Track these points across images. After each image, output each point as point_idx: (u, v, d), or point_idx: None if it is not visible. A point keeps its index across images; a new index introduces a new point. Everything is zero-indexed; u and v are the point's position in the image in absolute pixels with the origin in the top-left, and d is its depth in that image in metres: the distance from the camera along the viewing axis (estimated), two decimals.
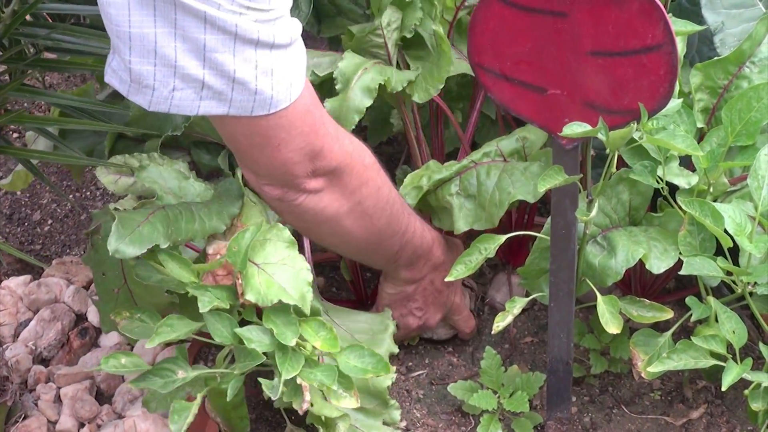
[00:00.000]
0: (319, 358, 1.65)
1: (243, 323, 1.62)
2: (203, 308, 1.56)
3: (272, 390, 1.57)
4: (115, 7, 1.32)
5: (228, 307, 1.60)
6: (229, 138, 1.54)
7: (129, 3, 1.31)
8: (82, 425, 2.12)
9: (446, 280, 1.81)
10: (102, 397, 2.18)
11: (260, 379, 1.59)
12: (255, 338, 1.59)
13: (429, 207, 1.96)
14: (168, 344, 1.70)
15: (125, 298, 1.86)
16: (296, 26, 1.45)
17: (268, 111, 1.42)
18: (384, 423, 1.83)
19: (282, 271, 1.61)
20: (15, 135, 2.93)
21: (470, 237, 1.88)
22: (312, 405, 1.62)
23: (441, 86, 1.95)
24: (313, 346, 1.62)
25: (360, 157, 1.69)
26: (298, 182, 1.59)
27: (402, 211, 1.82)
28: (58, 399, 2.17)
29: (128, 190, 1.82)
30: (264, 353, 1.59)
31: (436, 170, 1.94)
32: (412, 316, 2.01)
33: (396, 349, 1.88)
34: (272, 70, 1.39)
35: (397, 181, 2.17)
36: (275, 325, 1.59)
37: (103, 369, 1.60)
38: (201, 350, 2.10)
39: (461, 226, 1.91)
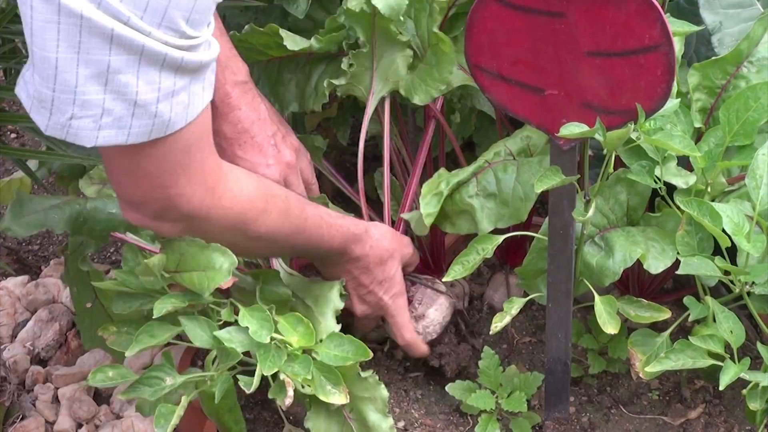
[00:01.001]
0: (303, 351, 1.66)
1: (225, 325, 1.64)
2: (157, 313, 1.56)
3: (247, 385, 1.57)
4: (24, 21, 1.26)
5: (185, 305, 1.60)
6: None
7: (32, 23, 1.24)
8: (79, 425, 2.12)
9: (443, 280, 1.81)
10: (100, 397, 2.18)
11: (238, 376, 1.60)
12: (235, 338, 1.60)
13: (443, 214, 1.95)
14: (168, 344, 1.70)
15: (99, 312, 1.86)
16: (210, 53, 1.38)
17: (165, 133, 1.35)
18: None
19: None
20: (13, 135, 2.94)
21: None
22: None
23: (443, 87, 1.95)
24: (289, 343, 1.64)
25: (258, 202, 1.61)
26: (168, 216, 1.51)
27: (311, 225, 1.73)
28: (56, 399, 2.17)
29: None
30: (247, 352, 1.60)
31: (450, 175, 1.94)
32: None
33: (341, 305, 1.83)
34: (173, 92, 1.33)
35: (377, 184, 2.18)
36: (251, 323, 1.61)
37: (91, 384, 1.61)
38: (199, 351, 2.10)
39: (486, 226, 1.90)
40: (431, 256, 2.22)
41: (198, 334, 1.60)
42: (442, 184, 1.92)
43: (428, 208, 1.91)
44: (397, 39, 1.94)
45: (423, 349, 1.98)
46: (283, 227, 1.65)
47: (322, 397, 1.65)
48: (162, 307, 1.56)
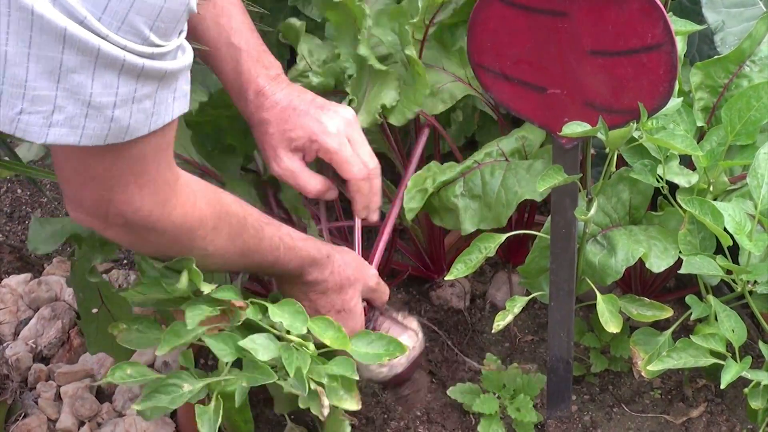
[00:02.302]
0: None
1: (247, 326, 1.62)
2: (192, 324, 1.55)
3: (296, 387, 1.57)
4: None
5: (217, 313, 1.60)
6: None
7: None
8: (82, 423, 2.12)
9: (446, 278, 1.81)
10: (102, 395, 2.18)
11: (281, 382, 1.59)
12: (260, 347, 1.59)
13: (431, 207, 1.95)
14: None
15: (105, 317, 1.85)
16: (179, 62, 1.31)
17: (123, 139, 1.29)
18: None
19: None
20: None
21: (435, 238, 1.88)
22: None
23: (418, 109, 1.92)
24: (319, 344, 1.63)
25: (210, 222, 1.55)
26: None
27: (267, 246, 1.66)
28: (58, 397, 2.17)
29: None
30: (274, 366, 1.59)
31: (439, 172, 1.93)
32: None
33: None
34: (134, 98, 1.26)
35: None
36: (283, 317, 1.59)
37: (111, 381, 1.60)
38: (201, 348, 2.10)
39: (468, 227, 1.90)
40: (431, 256, 2.22)
41: (221, 349, 1.59)
42: (428, 181, 1.92)
43: (411, 203, 1.91)
44: (382, 71, 1.93)
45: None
46: (234, 246, 1.59)
47: (335, 403, 1.64)
48: (194, 315, 1.56)
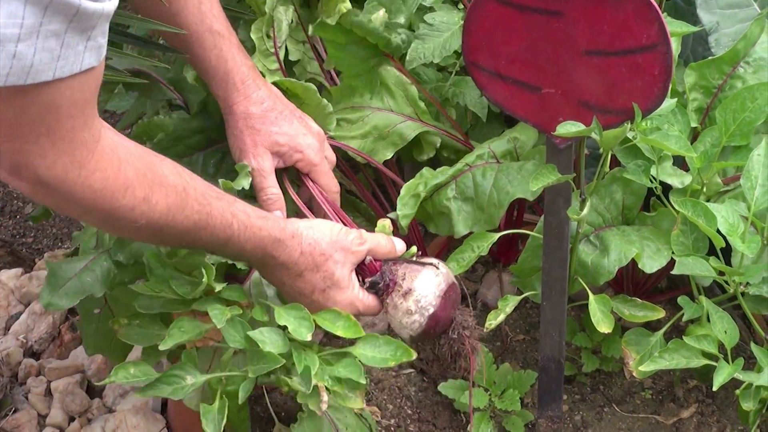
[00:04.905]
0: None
1: (252, 323, 1.61)
2: (220, 323, 1.55)
3: (302, 382, 1.56)
4: None
5: (240, 312, 1.60)
6: None
7: None
8: (72, 419, 2.12)
9: None
10: (93, 391, 2.18)
11: (282, 377, 1.58)
12: (268, 340, 1.58)
13: (425, 213, 1.95)
14: None
15: (107, 318, 1.84)
16: (97, 5, 1.21)
17: (25, 81, 1.21)
18: None
19: None
20: None
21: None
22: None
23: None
24: (330, 338, 1.62)
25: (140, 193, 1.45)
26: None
27: (217, 224, 1.56)
28: (48, 392, 2.17)
29: None
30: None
31: (430, 177, 1.94)
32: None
33: None
34: (38, 33, 1.18)
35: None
36: (288, 322, 1.58)
37: (115, 381, 1.58)
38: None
39: (461, 229, 1.90)
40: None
41: (232, 335, 1.58)
42: (420, 187, 1.92)
43: (405, 209, 1.91)
44: None
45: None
46: (174, 221, 1.48)
47: (340, 402, 1.63)
48: (218, 315, 1.56)
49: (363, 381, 1.60)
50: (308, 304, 1.66)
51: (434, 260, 1.75)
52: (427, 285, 1.70)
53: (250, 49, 1.87)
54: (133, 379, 1.59)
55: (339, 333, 1.61)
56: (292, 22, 1.96)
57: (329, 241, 1.68)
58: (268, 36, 1.92)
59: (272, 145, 1.79)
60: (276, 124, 1.79)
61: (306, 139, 1.82)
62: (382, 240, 1.75)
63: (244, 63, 1.79)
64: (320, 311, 1.67)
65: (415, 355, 1.63)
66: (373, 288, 1.71)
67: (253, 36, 1.91)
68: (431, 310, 1.69)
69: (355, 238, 1.70)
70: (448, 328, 1.74)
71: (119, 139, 1.42)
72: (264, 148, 1.79)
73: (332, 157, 1.90)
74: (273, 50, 1.93)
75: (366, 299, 1.71)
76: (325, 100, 1.92)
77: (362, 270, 1.72)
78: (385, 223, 1.80)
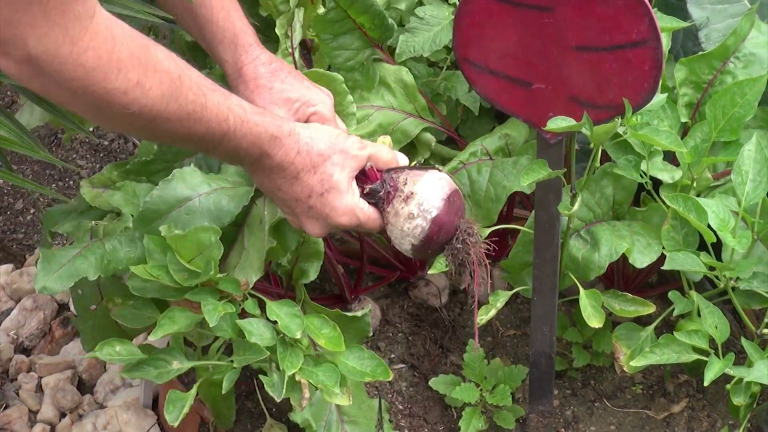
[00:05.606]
0: (312, 347, 1.65)
1: (244, 315, 1.61)
2: (212, 321, 1.54)
3: (274, 388, 1.56)
4: None
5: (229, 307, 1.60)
6: None
7: None
8: (63, 415, 2.12)
9: (429, 273, 1.80)
10: (84, 387, 2.18)
11: (261, 377, 1.58)
12: (256, 331, 1.58)
13: None
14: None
15: (103, 314, 1.83)
16: None
17: None
18: None
19: None
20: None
21: None
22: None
23: None
24: (314, 343, 1.62)
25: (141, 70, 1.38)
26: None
27: (212, 115, 1.48)
28: (39, 389, 2.17)
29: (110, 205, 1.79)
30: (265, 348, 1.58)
31: None
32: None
33: None
34: None
35: None
36: (279, 317, 1.58)
37: (98, 357, 1.57)
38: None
39: None
40: (398, 257, 2.21)
41: (219, 324, 1.56)
42: None
43: None
44: None
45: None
46: (168, 110, 1.41)
47: (326, 398, 1.63)
48: (211, 310, 1.55)
49: (337, 390, 1.60)
50: (305, 212, 1.60)
51: (437, 166, 1.69)
52: (429, 188, 1.60)
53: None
54: (117, 357, 1.58)
55: (321, 342, 1.61)
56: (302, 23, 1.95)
57: (328, 142, 1.61)
58: (287, 36, 1.90)
59: (285, 102, 1.72)
60: (287, 82, 1.74)
61: (318, 95, 1.74)
62: (384, 149, 1.68)
63: (249, 27, 1.76)
64: (324, 222, 1.61)
65: (391, 376, 1.65)
66: (372, 197, 1.62)
67: (278, 32, 1.88)
68: (434, 213, 1.59)
69: (355, 142, 1.63)
70: (452, 237, 1.63)
71: (113, 18, 1.35)
72: (277, 107, 1.72)
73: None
74: (290, 50, 1.91)
75: (367, 209, 1.63)
76: (350, 96, 1.87)
77: (362, 179, 1.63)
78: (385, 139, 1.76)
